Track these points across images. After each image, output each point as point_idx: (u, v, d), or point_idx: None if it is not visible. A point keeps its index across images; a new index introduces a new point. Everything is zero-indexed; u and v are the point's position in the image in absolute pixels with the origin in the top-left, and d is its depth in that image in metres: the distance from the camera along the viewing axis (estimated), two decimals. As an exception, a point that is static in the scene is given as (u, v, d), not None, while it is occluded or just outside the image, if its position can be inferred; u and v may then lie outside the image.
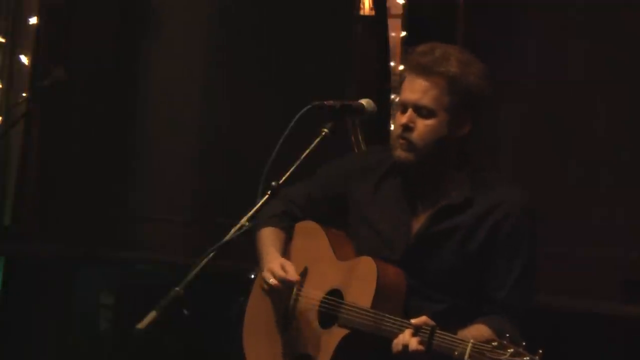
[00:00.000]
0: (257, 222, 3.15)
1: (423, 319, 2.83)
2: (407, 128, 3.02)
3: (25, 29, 5.89)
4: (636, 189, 4.27)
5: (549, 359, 2.59)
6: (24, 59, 5.87)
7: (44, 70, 5.51)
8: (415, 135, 3.02)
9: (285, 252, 3.27)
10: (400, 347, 2.83)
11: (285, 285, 3.10)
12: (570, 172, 4.43)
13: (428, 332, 2.79)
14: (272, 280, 3.08)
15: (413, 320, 2.84)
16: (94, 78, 5.79)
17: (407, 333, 2.83)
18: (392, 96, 4.77)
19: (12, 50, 5.93)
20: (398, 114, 3.07)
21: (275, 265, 3.12)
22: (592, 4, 4.42)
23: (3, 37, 5.93)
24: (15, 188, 5.83)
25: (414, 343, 2.81)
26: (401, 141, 3.03)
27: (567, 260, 4.31)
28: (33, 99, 5.51)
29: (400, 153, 3.04)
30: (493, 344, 2.56)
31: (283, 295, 3.15)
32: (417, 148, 3.02)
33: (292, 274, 3.10)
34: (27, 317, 5.64)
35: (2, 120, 5.82)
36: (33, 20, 5.83)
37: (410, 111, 3.03)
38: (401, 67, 3.22)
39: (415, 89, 3.02)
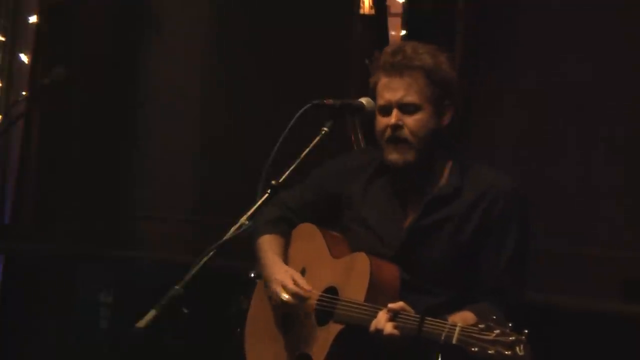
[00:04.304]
0: (254, 228, 3.15)
1: (400, 304, 2.84)
2: (397, 127, 3.03)
3: (25, 28, 5.90)
4: (636, 188, 4.27)
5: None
6: (24, 58, 5.88)
7: (44, 68, 5.52)
8: (407, 133, 3.02)
9: (284, 257, 3.27)
10: (373, 329, 2.84)
11: (299, 300, 3.10)
12: (570, 171, 4.43)
13: (406, 318, 2.80)
14: (286, 297, 3.09)
15: (390, 305, 2.84)
16: (94, 77, 5.80)
17: (382, 317, 2.83)
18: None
19: (12, 48, 5.94)
20: (379, 118, 3.08)
21: (285, 278, 3.12)
22: (593, 3, 4.42)
23: (3, 36, 5.93)
24: (15, 186, 5.83)
25: (389, 327, 2.81)
26: (393, 144, 3.04)
27: (567, 260, 4.31)
28: (33, 98, 5.51)
29: (397, 157, 3.04)
30: (480, 326, 2.58)
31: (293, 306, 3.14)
32: (412, 145, 3.02)
33: (305, 286, 3.10)
34: (27, 316, 5.64)
35: (2, 119, 5.82)
36: (33, 19, 5.83)
37: (395, 111, 3.03)
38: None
39: (397, 88, 3.03)
